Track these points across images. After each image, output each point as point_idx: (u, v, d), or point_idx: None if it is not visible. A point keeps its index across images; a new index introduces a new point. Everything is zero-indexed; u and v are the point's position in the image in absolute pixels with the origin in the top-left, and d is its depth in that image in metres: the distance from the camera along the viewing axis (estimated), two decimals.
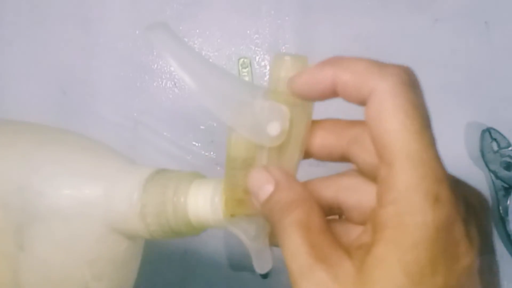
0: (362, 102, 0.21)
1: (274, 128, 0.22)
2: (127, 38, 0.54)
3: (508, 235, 0.51)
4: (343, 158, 0.24)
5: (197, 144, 0.52)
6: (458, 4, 0.55)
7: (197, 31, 0.55)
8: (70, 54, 0.54)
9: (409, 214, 0.19)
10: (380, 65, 0.21)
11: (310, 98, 0.23)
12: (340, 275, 0.19)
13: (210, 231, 0.50)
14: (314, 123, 0.24)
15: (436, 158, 0.20)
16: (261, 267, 0.24)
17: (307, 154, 0.24)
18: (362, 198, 0.23)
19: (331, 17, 0.54)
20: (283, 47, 0.54)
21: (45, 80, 0.54)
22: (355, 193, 0.23)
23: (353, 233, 0.23)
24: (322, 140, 0.24)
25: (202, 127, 0.53)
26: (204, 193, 0.25)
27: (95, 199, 0.26)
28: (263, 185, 0.23)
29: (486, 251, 0.22)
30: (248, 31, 0.55)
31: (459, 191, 0.20)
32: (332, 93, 0.22)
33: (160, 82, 0.54)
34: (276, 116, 0.22)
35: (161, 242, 0.50)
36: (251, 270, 0.51)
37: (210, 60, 0.54)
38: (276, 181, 0.23)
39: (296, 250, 0.20)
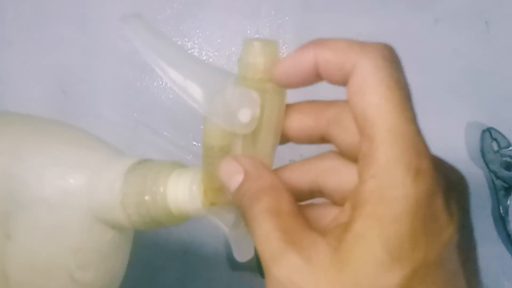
0: (345, 81, 0.21)
1: (244, 115, 0.22)
2: (127, 38, 0.54)
3: (508, 235, 0.51)
4: (323, 140, 0.23)
5: (197, 144, 0.52)
6: (458, 4, 0.55)
7: (197, 31, 0.55)
8: (70, 54, 0.54)
9: (390, 188, 0.18)
10: (361, 43, 0.21)
11: (294, 83, 0.23)
12: (313, 256, 0.19)
13: (210, 231, 0.50)
14: (291, 107, 0.24)
15: (417, 132, 0.20)
16: (241, 256, 0.24)
17: (285, 139, 0.24)
18: (343, 180, 0.23)
19: (331, 17, 0.54)
20: (283, 47, 0.54)
21: (45, 80, 0.54)
22: (335, 175, 0.23)
23: (332, 215, 0.23)
24: (299, 123, 0.24)
25: (202, 127, 0.53)
26: (183, 183, 0.25)
27: (79, 189, 0.26)
28: (233, 175, 0.23)
29: (464, 227, 0.21)
30: (248, 31, 0.55)
31: (440, 167, 0.20)
32: (315, 76, 0.22)
33: (160, 82, 0.54)
34: (247, 103, 0.22)
35: (161, 242, 0.50)
36: (251, 269, 0.51)
37: (211, 60, 0.54)
38: (246, 170, 0.23)
39: (267, 236, 0.20)
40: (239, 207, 0.23)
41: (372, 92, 0.19)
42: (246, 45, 0.23)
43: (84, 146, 0.29)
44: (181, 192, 0.25)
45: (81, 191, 0.26)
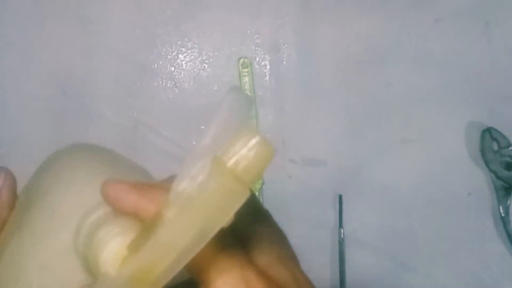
0: None
1: (181, 183, 0.19)
2: (127, 38, 0.54)
3: (508, 235, 0.51)
4: None
5: None
6: (458, 4, 0.55)
7: (197, 31, 0.55)
8: (70, 54, 0.54)
9: None
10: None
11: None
12: None
13: None
14: None
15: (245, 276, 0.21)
16: None
17: None
18: None
19: (331, 17, 0.54)
20: (283, 47, 0.54)
21: (45, 80, 0.54)
22: None
23: None
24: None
25: (202, 127, 0.53)
26: (106, 244, 0.21)
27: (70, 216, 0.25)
28: None
29: None
30: (248, 31, 0.55)
31: None
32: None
33: (160, 82, 0.54)
34: (193, 173, 0.19)
35: None
36: None
37: (211, 60, 0.54)
38: None
39: None
40: None
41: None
42: (247, 134, 0.19)
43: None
44: (100, 252, 0.21)
45: (72, 217, 0.25)
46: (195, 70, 0.54)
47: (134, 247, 0.20)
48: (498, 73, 0.54)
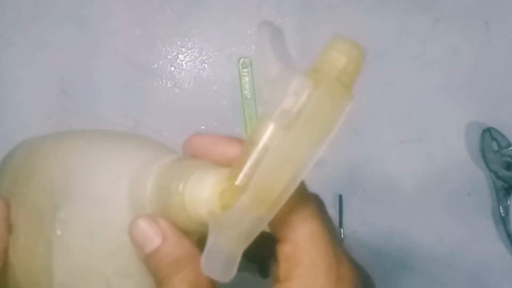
0: None
1: (286, 101, 0.19)
2: (127, 38, 0.54)
3: (508, 235, 0.51)
4: None
5: None
6: (458, 4, 0.55)
7: (197, 31, 0.55)
8: (70, 54, 0.54)
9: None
10: None
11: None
12: None
13: None
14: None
15: (335, 239, 0.22)
16: (210, 269, 0.20)
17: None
18: None
19: (331, 17, 0.54)
20: None
21: (45, 80, 0.54)
22: None
23: None
24: None
25: (202, 127, 0.53)
26: (205, 183, 0.22)
27: (123, 185, 0.25)
28: (150, 236, 0.22)
29: None
30: (248, 31, 0.55)
31: (357, 273, 0.22)
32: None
33: (160, 82, 0.54)
34: (295, 89, 0.19)
35: None
36: (251, 270, 0.51)
37: (211, 60, 0.54)
38: (164, 235, 0.22)
39: None
40: (152, 271, 0.22)
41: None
42: (333, 41, 0.20)
43: (135, 144, 0.29)
44: (197, 192, 0.22)
45: (124, 188, 0.25)
46: (195, 70, 0.54)
47: (239, 177, 0.20)
48: (498, 73, 0.54)
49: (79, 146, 0.28)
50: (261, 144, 0.20)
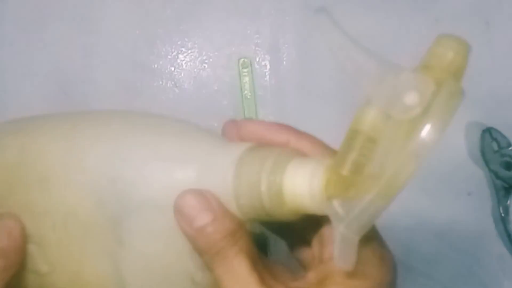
0: None
1: (411, 97, 0.20)
2: (127, 38, 0.54)
3: (508, 235, 0.51)
4: None
5: None
6: (459, 4, 0.55)
7: (197, 31, 0.55)
8: (70, 54, 0.54)
9: (359, 265, 0.21)
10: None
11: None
12: None
13: None
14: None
15: (375, 226, 0.23)
16: (343, 261, 0.21)
17: None
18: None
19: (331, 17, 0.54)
20: (283, 47, 0.54)
21: (45, 80, 0.54)
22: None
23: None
24: None
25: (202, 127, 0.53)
26: (302, 173, 0.22)
27: (189, 185, 0.24)
28: (201, 211, 0.22)
29: None
30: (248, 31, 0.55)
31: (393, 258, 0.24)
32: None
33: (160, 82, 0.54)
34: (417, 86, 0.20)
35: None
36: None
37: (211, 60, 0.54)
38: (214, 210, 0.22)
39: (247, 279, 0.21)
40: (204, 245, 0.22)
41: None
42: (440, 39, 0.22)
43: (190, 137, 0.27)
44: (299, 183, 0.22)
45: (191, 187, 0.24)
46: (195, 70, 0.54)
47: (347, 168, 0.21)
48: (498, 73, 0.54)
49: (126, 148, 0.26)
50: (367, 135, 0.21)
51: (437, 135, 0.21)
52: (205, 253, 0.22)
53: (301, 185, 0.22)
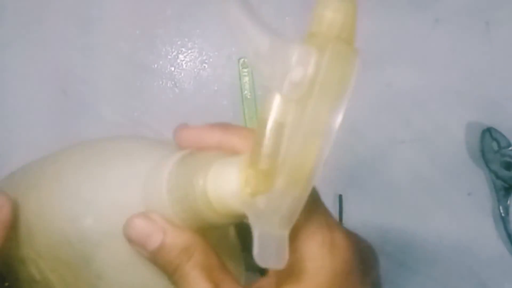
0: None
1: (294, 73, 0.18)
2: (127, 38, 0.54)
3: (508, 235, 0.51)
4: None
5: None
6: (458, 4, 0.55)
7: (197, 31, 0.55)
8: (70, 54, 0.54)
9: (309, 261, 0.21)
10: None
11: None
12: None
13: None
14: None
15: (327, 210, 0.22)
16: (264, 260, 0.19)
17: None
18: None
19: None
20: None
21: (45, 80, 0.54)
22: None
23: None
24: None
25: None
26: (222, 173, 0.21)
27: (136, 208, 0.24)
28: (151, 233, 0.22)
29: None
30: None
31: (353, 240, 0.22)
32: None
33: (160, 82, 0.54)
34: (299, 58, 0.18)
35: None
36: (251, 269, 0.51)
37: (211, 60, 0.54)
38: (163, 228, 0.22)
39: None
40: (162, 266, 0.22)
41: None
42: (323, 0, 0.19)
43: (136, 158, 0.27)
44: (220, 184, 0.21)
45: (138, 207, 0.24)
46: (195, 70, 0.54)
47: (263, 161, 0.19)
48: (498, 73, 0.54)
49: (73, 184, 0.26)
50: (274, 122, 0.19)
51: (333, 107, 0.19)
52: (166, 273, 0.23)
53: (221, 186, 0.21)
